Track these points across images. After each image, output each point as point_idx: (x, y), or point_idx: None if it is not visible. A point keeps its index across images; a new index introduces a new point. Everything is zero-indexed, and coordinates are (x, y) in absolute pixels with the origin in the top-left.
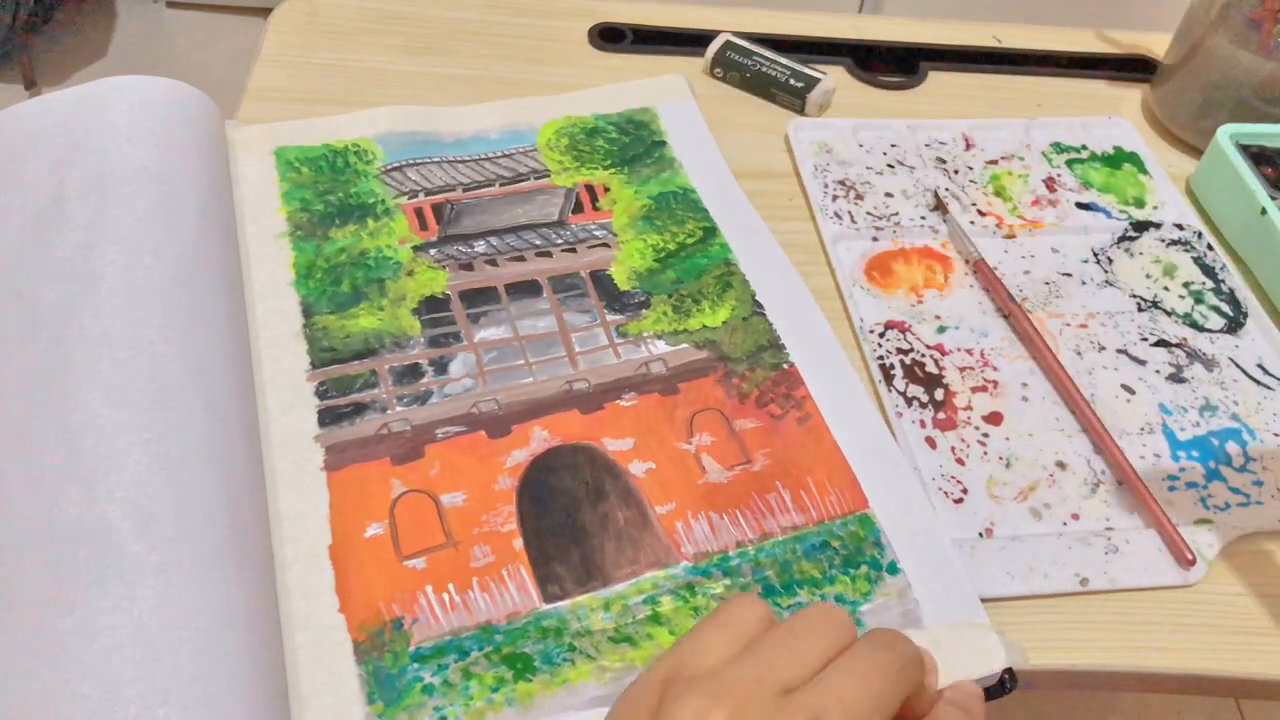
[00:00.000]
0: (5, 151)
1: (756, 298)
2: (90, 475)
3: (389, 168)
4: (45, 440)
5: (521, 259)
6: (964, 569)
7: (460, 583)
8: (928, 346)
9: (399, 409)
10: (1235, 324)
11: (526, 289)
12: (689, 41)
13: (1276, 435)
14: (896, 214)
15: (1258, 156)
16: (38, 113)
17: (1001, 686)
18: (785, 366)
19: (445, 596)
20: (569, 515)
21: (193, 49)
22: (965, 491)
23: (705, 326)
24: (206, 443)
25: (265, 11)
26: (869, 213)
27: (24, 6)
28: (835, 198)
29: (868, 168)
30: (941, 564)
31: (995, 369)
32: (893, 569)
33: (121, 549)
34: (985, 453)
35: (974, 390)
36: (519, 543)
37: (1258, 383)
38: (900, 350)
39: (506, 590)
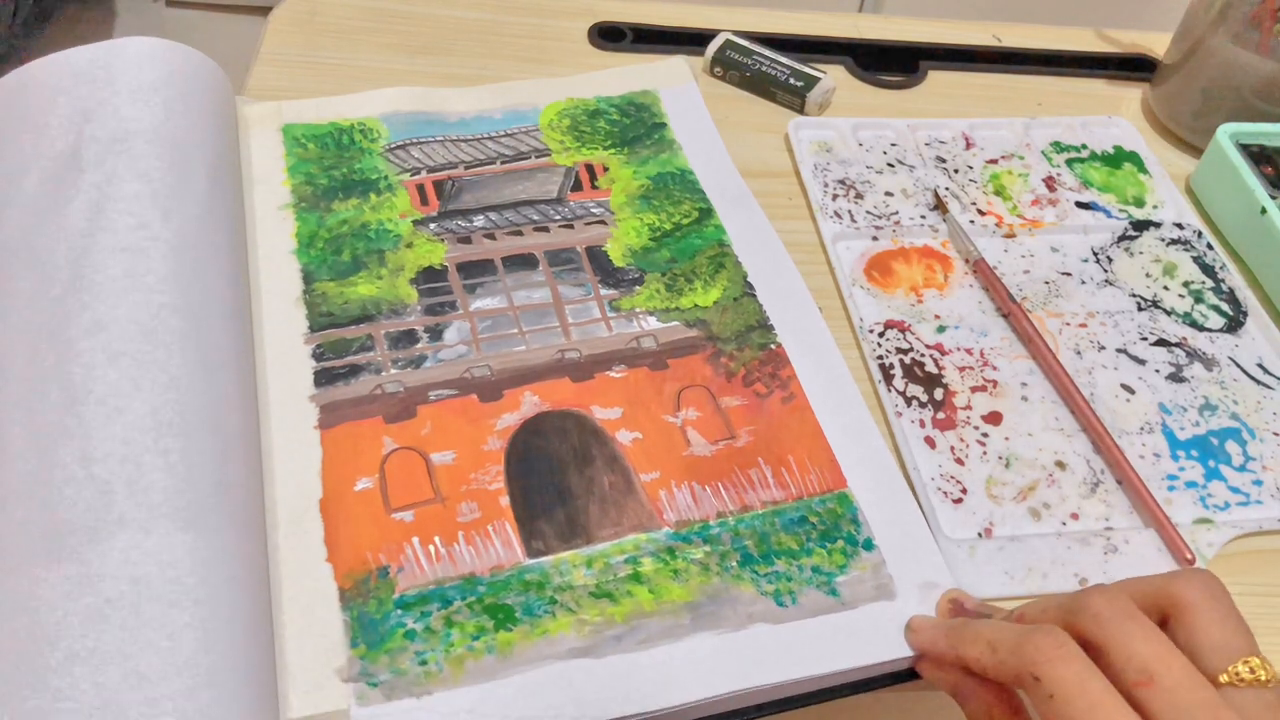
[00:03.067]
0: (29, 103)
1: (748, 279)
2: (87, 432)
3: (393, 146)
4: (47, 395)
5: (519, 233)
6: (937, 547)
7: (446, 536)
8: (927, 346)
9: (393, 371)
10: (1235, 323)
11: (523, 262)
12: (689, 41)
13: (1276, 434)
14: (896, 213)
15: (1258, 156)
16: (59, 69)
17: None
18: (773, 347)
19: (431, 548)
20: (556, 477)
21: (193, 47)
22: (964, 491)
23: (697, 305)
24: (203, 400)
25: (265, 10)
26: (869, 212)
27: (23, 6)
28: (835, 197)
29: (868, 167)
30: (916, 542)
31: (995, 368)
32: (868, 545)
33: (112, 504)
34: (984, 452)
35: (973, 390)
36: (505, 500)
37: (1257, 382)
38: (900, 350)
39: (491, 544)
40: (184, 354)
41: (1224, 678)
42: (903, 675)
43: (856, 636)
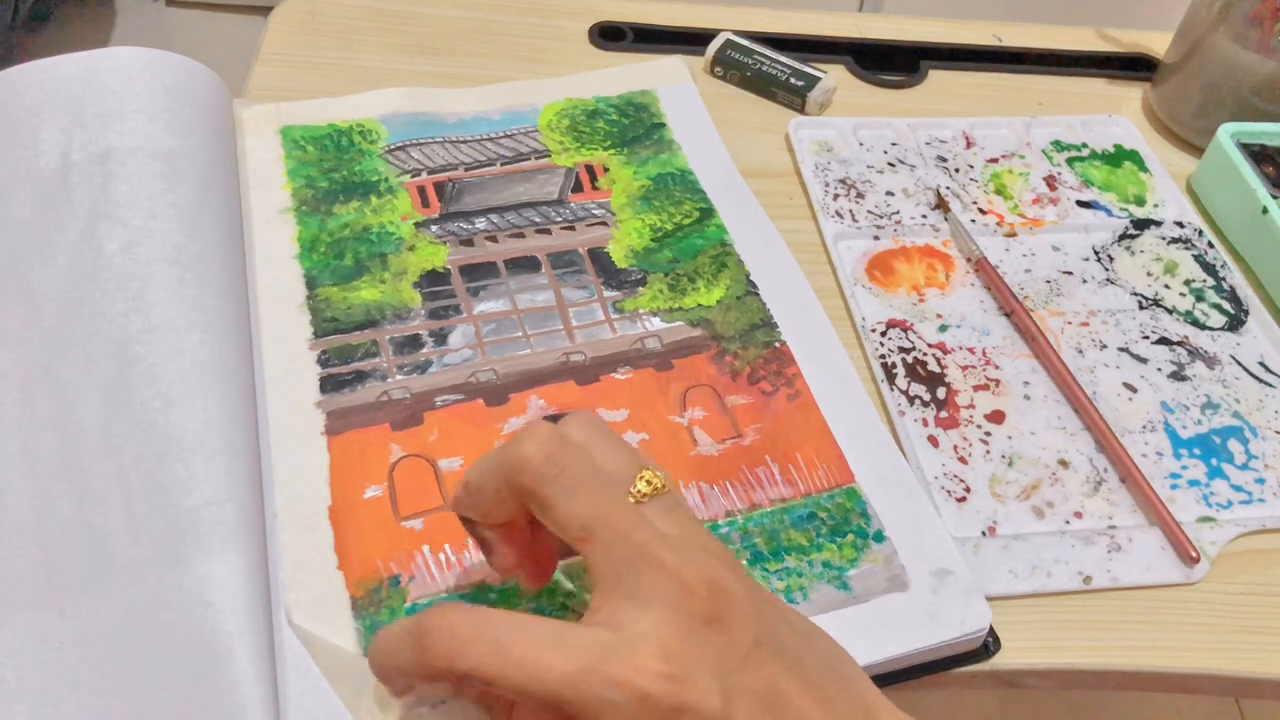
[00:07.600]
0: (15, 116)
1: (751, 277)
2: (82, 473)
3: (392, 147)
4: (42, 438)
5: (521, 236)
6: (948, 535)
7: (456, 543)
8: (929, 345)
9: (399, 377)
10: (1236, 322)
11: (525, 264)
12: (689, 40)
13: (1278, 433)
14: (898, 213)
15: (1258, 155)
16: (46, 77)
17: (985, 649)
18: (777, 345)
19: (442, 556)
20: None
21: (193, 48)
22: (968, 490)
23: (700, 305)
24: (198, 430)
25: (265, 10)
26: (870, 211)
27: (23, 6)
28: (836, 196)
29: (869, 166)
30: (926, 531)
31: (997, 367)
32: (879, 537)
33: (109, 547)
34: (988, 451)
35: (976, 389)
36: None
37: (1259, 380)
38: (902, 349)
39: None
40: (178, 380)
41: (630, 499)
42: (914, 670)
43: (869, 631)
